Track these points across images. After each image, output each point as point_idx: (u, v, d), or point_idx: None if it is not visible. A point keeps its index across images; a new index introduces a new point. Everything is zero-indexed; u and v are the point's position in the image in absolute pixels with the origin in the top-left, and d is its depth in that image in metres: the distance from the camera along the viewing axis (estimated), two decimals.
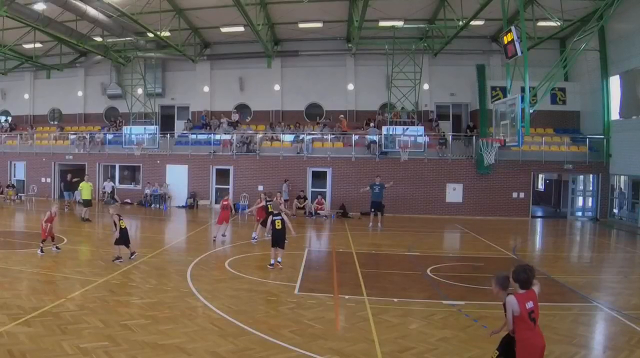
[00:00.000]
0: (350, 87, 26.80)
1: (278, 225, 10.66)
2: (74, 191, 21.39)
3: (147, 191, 23.92)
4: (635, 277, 11.08)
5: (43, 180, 26.23)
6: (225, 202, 14.61)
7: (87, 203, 18.10)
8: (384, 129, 22.70)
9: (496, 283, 4.56)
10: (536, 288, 4.47)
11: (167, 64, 28.28)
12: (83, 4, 19.09)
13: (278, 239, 10.70)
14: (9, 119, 30.34)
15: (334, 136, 23.89)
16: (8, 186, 25.10)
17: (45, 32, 21.96)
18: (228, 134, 24.70)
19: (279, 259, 10.70)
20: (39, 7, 19.44)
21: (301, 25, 23.92)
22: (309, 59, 26.76)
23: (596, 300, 8.77)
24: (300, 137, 23.72)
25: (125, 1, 19.22)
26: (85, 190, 18.05)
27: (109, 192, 24.06)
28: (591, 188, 22.67)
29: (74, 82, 29.37)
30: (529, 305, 4.27)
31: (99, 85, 29.19)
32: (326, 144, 23.57)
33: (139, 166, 25.01)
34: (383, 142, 22.55)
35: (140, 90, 25.70)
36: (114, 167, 25.85)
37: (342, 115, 25.54)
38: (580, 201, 23.35)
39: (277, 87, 27.32)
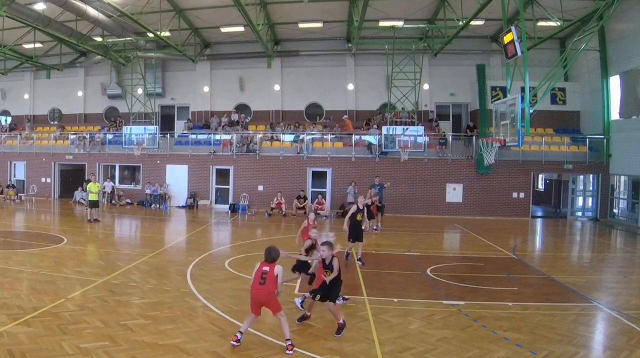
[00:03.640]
0: (350, 87, 26.80)
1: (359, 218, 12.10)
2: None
3: (147, 191, 23.91)
4: (635, 277, 11.08)
5: (43, 180, 26.22)
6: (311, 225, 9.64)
7: (94, 204, 18.00)
8: (384, 129, 22.68)
9: (329, 248, 6.87)
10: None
11: (167, 64, 28.28)
12: (83, 4, 19.09)
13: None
14: (8, 119, 30.34)
15: (334, 136, 23.88)
16: (8, 186, 25.09)
17: (45, 32, 21.95)
18: (228, 133, 24.70)
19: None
20: (39, 7, 19.45)
21: (301, 25, 23.93)
22: (309, 59, 26.77)
23: (596, 300, 8.76)
24: (300, 137, 23.72)
25: (125, 1, 19.22)
26: (92, 190, 18.00)
27: (109, 192, 24.12)
28: (591, 188, 22.67)
29: (74, 82, 29.38)
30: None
31: (99, 85, 29.19)
32: (326, 144, 23.55)
33: (139, 166, 24.99)
34: (383, 142, 22.55)
35: (140, 90, 25.68)
36: (114, 167, 25.83)
37: (346, 116, 25.51)
38: (580, 201, 23.35)
39: (277, 87, 27.31)
